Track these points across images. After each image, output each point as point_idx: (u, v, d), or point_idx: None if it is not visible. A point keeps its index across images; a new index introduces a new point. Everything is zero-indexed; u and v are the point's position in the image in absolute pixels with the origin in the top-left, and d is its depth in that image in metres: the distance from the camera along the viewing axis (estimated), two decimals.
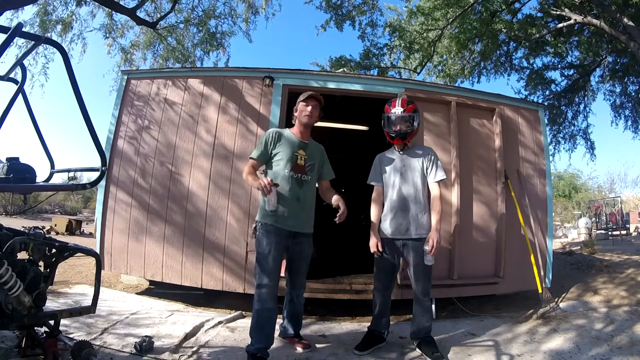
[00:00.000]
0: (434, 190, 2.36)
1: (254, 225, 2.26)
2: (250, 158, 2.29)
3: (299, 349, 2.34)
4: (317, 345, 2.47)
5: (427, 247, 2.23)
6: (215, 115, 3.45)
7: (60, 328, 1.83)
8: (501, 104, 3.73)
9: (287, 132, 2.35)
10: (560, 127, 10.23)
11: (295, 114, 2.36)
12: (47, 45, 5.36)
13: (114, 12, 7.19)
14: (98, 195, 3.54)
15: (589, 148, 10.14)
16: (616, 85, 9.58)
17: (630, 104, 9.63)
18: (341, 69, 8.33)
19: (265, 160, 2.28)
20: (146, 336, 2.23)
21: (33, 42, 1.82)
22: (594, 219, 14.28)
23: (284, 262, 2.31)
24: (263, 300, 2.09)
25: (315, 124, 2.38)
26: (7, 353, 1.73)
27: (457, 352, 2.41)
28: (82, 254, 1.98)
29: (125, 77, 3.68)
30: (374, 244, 2.37)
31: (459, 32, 8.28)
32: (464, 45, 8.47)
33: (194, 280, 3.22)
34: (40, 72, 6.43)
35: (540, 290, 3.28)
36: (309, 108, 2.28)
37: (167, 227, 3.31)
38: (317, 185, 2.43)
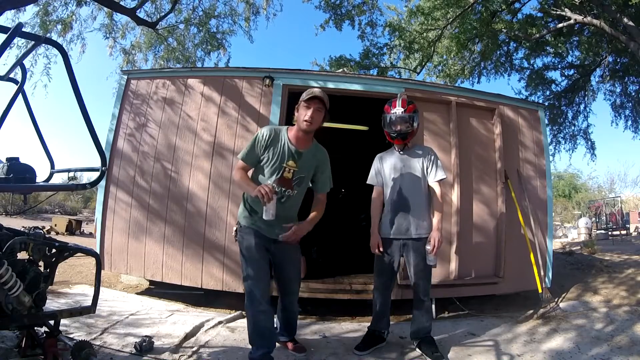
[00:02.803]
0: (435, 189, 2.36)
1: (235, 228, 2.12)
2: (239, 159, 2.06)
3: (294, 353, 2.29)
4: (317, 346, 2.47)
5: (429, 247, 2.23)
6: (215, 116, 3.45)
7: (60, 328, 1.83)
8: (501, 104, 3.72)
9: (282, 134, 2.04)
10: (561, 127, 10.22)
11: (296, 115, 2.03)
12: (49, 46, 5.36)
13: (114, 13, 7.19)
14: (98, 195, 3.54)
15: (589, 148, 10.14)
16: (616, 85, 9.58)
17: (630, 104, 9.63)
18: (341, 69, 8.33)
19: (254, 163, 2.05)
20: (146, 336, 2.23)
21: (33, 42, 1.82)
22: (594, 219, 14.28)
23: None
24: (256, 303, 1.93)
25: (322, 123, 2.08)
26: (7, 353, 1.73)
27: (457, 352, 2.41)
28: (82, 254, 1.98)
29: (125, 77, 3.68)
30: (374, 243, 2.38)
31: (459, 32, 8.27)
32: (464, 45, 8.46)
33: (194, 280, 3.22)
34: (42, 73, 6.43)
35: (540, 290, 3.28)
36: (310, 112, 1.94)
37: (167, 227, 3.31)
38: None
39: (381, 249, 2.35)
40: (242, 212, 2.09)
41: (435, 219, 2.29)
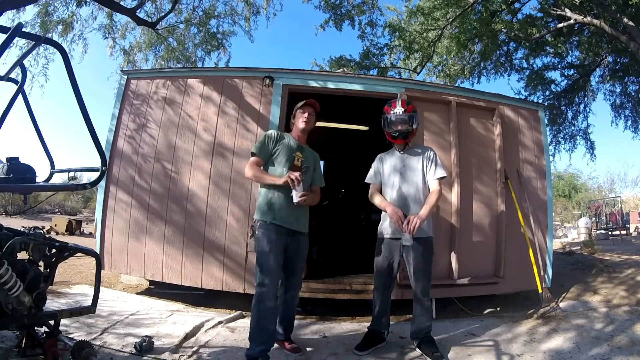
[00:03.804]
0: (434, 185, 2.34)
1: (252, 225, 2.28)
2: (252, 154, 2.32)
3: (289, 353, 2.30)
4: (317, 346, 2.47)
5: (405, 225, 2.14)
6: (215, 116, 3.45)
7: (60, 328, 1.83)
8: (501, 104, 3.72)
9: (286, 134, 2.45)
10: (561, 127, 10.22)
11: (293, 121, 2.48)
12: (48, 46, 5.37)
13: (114, 13, 7.19)
14: (98, 195, 3.54)
15: (589, 148, 10.14)
16: (616, 85, 9.58)
17: (630, 104, 9.62)
18: (341, 69, 8.33)
19: (267, 157, 2.32)
20: (146, 336, 2.23)
21: (33, 42, 1.82)
22: (594, 219, 14.28)
23: None
24: (264, 300, 2.07)
25: (314, 124, 2.46)
26: (7, 353, 1.73)
27: (457, 352, 2.41)
28: (82, 254, 1.98)
29: (125, 77, 3.69)
30: (393, 212, 2.22)
31: (459, 32, 8.27)
32: (464, 45, 8.46)
33: (194, 280, 3.22)
34: (40, 73, 6.45)
35: (540, 290, 3.28)
36: (306, 114, 2.39)
37: (167, 227, 3.31)
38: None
39: (402, 218, 2.21)
40: (261, 209, 2.26)
41: (424, 208, 2.23)
